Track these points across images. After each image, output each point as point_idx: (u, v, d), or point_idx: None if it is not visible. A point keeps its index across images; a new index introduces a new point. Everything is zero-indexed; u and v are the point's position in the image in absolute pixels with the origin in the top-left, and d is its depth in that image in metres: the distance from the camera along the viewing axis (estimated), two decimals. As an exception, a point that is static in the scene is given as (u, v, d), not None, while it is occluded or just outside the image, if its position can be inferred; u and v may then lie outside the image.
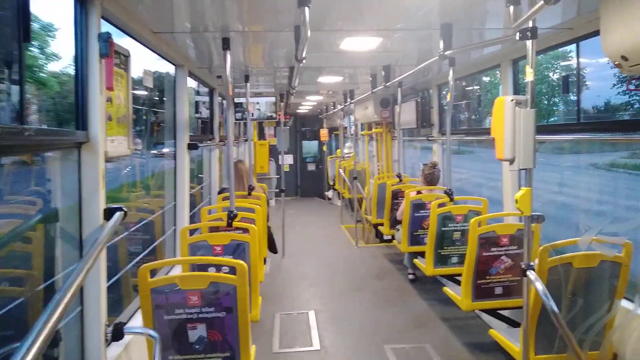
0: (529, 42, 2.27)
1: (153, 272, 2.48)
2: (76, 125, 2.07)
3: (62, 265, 2.26)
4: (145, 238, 4.42)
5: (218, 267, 2.74)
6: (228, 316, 2.39)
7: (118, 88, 2.40)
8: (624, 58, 2.07)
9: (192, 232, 3.37)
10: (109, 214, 2.18)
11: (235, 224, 3.36)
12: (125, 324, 2.22)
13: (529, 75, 2.27)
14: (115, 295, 3.44)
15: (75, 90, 2.06)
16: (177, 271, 3.39)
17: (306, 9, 2.19)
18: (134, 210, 4.46)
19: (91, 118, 2.10)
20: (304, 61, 2.82)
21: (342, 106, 8.36)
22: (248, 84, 4.98)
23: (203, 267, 2.80)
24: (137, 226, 4.38)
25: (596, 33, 2.28)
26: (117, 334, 2.13)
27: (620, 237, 2.43)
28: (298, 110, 12.13)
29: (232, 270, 2.44)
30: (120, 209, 2.20)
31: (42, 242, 2.54)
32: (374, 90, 5.61)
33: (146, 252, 4.06)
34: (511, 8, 2.29)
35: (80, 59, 2.04)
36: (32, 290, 2.46)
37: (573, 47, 3.34)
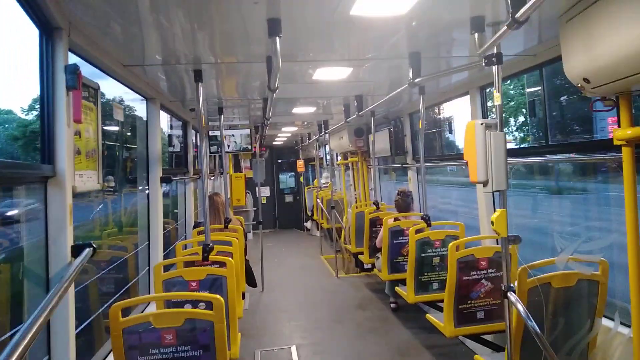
0: (494, 68, 2.35)
1: (126, 313, 2.37)
2: (42, 158, 2.00)
3: (28, 308, 2.15)
4: (118, 278, 4.27)
5: (194, 304, 2.65)
6: (205, 354, 2.30)
7: (87, 121, 2.35)
8: (586, 80, 2.14)
9: (167, 269, 3.26)
10: (77, 251, 2.10)
11: (212, 257, 3.28)
12: None
13: (497, 99, 2.33)
14: (89, 340, 3.28)
15: (41, 123, 2.00)
16: (152, 310, 3.26)
17: (277, 38, 2.23)
18: (106, 248, 4.31)
19: (58, 151, 2.04)
20: (277, 91, 2.84)
21: (317, 137, 8.43)
22: (222, 117, 4.97)
23: (179, 305, 2.70)
24: (111, 266, 4.23)
25: (559, 58, 2.37)
26: None
27: (595, 255, 2.46)
28: (274, 142, 12.17)
29: (209, 305, 2.35)
30: (89, 245, 2.12)
31: (7, 284, 2.42)
32: (347, 120, 5.68)
33: (120, 292, 3.91)
34: (476, 35, 2.37)
35: (47, 91, 2.00)
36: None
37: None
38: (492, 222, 2.28)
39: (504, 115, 2.32)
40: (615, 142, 2.10)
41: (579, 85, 2.21)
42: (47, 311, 1.51)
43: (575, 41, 2.15)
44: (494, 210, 3.70)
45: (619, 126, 2.16)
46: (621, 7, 1.80)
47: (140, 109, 4.03)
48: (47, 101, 2.02)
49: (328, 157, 9.27)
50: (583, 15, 2.06)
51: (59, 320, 2.04)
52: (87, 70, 2.55)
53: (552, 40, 2.75)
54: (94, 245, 2.14)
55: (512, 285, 2.33)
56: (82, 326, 3.02)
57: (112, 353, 2.30)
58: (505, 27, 1.91)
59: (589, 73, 2.10)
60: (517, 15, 1.79)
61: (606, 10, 1.90)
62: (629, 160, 2.08)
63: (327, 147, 9.10)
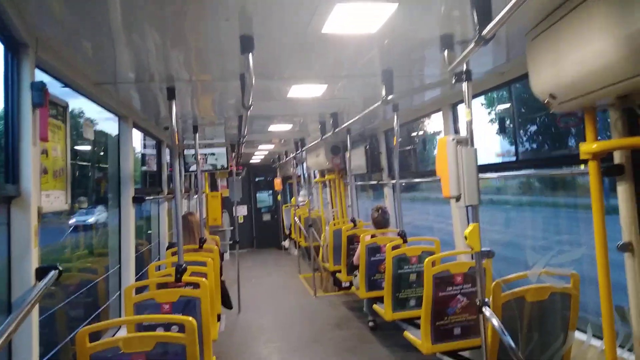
0: (464, 85, 2.39)
1: (95, 338, 2.28)
2: (5, 178, 1.93)
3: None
4: (88, 302, 4.12)
5: (167, 327, 2.57)
6: (177, 379, 2.22)
7: (55, 140, 2.29)
8: (552, 96, 2.20)
9: (139, 291, 3.17)
10: (42, 273, 2.02)
11: (185, 278, 3.19)
12: None
13: (467, 116, 2.37)
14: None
15: (5, 141, 1.94)
16: (122, 334, 3.14)
17: (250, 55, 2.23)
18: (76, 272, 4.18)
19: (23, 171, 1.98)
20: (251, 108, 2.83)
21: (294, 154, 8.43)
22: (197, 135, 4.93)
23: (151, 328, 2.61)
24: (81, 290, 4.09)
25: (526, 75, 2.43)
26: None
27: (566, 269, 2.49)
28: (251, 161, 12.12)
29: (182, 328, 2.29)
30: (54, 267, 2.04)
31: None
32: (323, 137, 5.70)
33: (90, 318, 3.78)
34: (446, 52, 2.42)
35: (12, 109, 1.94)
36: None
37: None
38: (466, 237, 2.30)
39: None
40: (582, 157, 2.15)
41: (546, 101, 2.27)
42: (5, 335, 1.43)
43: (541, 58, 2.22)
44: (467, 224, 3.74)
45: (585, 141, 2.22)
46: (584, 25, 1.87)
47: (112, 127, 3.96)
48: (12, 118, 1.96)
49: (306, 174, 9.26)
50: (548, 33, 2.13)
51: (21, 347, 1.95)
52: (62, 91, 2.51)
53: (519, 58, 2.83)
54: (60, 268, 2.06)
55: (486, 300, 2.34)
56: (49, 355, 2.90)
57: None
58: (473, 44, 1.96)
59: (554, 89, 2.16)
60: (484, 32, 1.83)
61: (570, 27, 1.97)
62: (595, 174, 2.13)
63: (304, 164, 9.11)
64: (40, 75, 2.16)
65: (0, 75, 1.97)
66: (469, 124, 2.34)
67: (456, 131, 3.95)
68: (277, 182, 11.31)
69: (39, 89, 2.00)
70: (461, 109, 3.95)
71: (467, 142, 2.31)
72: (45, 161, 2.20)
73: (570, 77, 2.00)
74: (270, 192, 13.44)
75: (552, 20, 2.08)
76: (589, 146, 2.11)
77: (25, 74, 1.99)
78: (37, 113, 2.03)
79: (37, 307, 1.97)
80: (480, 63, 2.97)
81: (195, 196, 8.19)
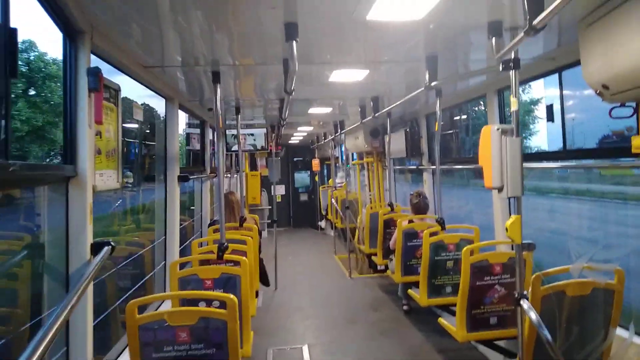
0: (512, 73, 2.33)
1: (142, 309, 2.42)
2: (64, 159, 2.06)
3: (48, 303, 2.21)
4: (134, 273, 4.36)
5: (209, 302, 2.69)
6: (218, 352, 2.33)
7: (107, 122, 2.41)
8: (605, 87, 2.12)
9: (182, 266, 3.32)
10: (96, 248, 2.15)
11: (226, 256, 3.32)
12: None
13: (514, 105, 2.31)
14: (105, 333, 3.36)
15: (64, 124, 2.06)
16: (167, 307, 3.32)
17: (294, 42, 2.25)
18: (124, 244, 4.40)
19: (80, 152, 2.10)
20: (293, 93, 2.87)
21: (333, 136, 8.44)
22: (239, 116, 5.02)
23: (194, 302, 2.74)
24: (129, 259, 4.32)
25: (578, 62, 2.34)
26: None
27: (611, 264, 2.42)
28: (290, 141, 12.20)
29: (223, 304, 2.39)
30: (108, 243, 2.18)
31: (29, 279, 2.49)
32: (363, 121, 5.67)
33: (135, 287, 4.00)
34: (494, 40, 2.35)
35: (69, 93, 2.06)
36: (17, 330, 2.40)
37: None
38: (507, 229, 2.27)
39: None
40: (634, 151, 2.07)
41: (598, 91, 2.18)
42: (67, 310, 1.55)
43: (595, 47, 2.12)
44: (509, 215, 3.67)
45: (638, 133, 2.13)
46: (641, 15, 1.78)
47: (158, 106, 4.10)
48: (69, 103, 2.07)
49: (344, 156, 9.26)
50: (603, 21, 2.04)
51: (77, 316, 2.10)
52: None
53: (571, 44, 2.71)
54: (113, 244, 2.19)
55: (525, 292, 2.31)
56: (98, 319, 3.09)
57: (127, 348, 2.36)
58: (522, 34, 1.90)
59: (608, 79, 2.07)
60: (535, 22, 1.77)
61: (627, 16, 1.88)
62: (647, 168, 2.05)
63: (342, 146, 9.10)
64: (93, 61, 2.27)
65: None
66: (515, 113, 2.28)
67: (501, 120, 3.85)
68: (315, 163, 11.37)
69: (95, 74, 2.10)
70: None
71: (513, 132, 2.26)
72: (98, 142, 2.32)
73: (625, 68, 1.92)
74: (308, 172, 13.54)
75: (607, 9, 1.98)
76: (642, 140, 2.02)
77: (82, 60, 2.09)
78: (92, 97, 2.14)
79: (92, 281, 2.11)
80: (529, 49, 2.87)
81: (236, 175, 8.37)
